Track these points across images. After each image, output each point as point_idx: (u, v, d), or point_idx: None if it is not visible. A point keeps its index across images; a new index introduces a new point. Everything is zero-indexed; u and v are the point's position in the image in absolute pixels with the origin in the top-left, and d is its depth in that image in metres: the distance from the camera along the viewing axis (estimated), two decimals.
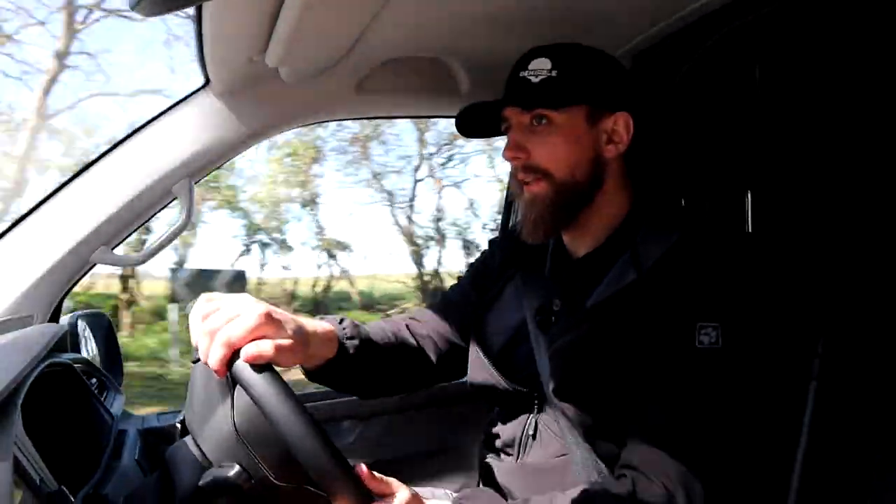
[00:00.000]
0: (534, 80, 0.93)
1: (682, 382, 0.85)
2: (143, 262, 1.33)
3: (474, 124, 1.07)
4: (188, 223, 1.28)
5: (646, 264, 0.92)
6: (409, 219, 10.21)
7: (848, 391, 0.97)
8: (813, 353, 0.97)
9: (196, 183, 1.28)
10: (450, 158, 10.06)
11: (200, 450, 0.86)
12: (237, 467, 0.78)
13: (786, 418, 0.97)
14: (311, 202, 9.91)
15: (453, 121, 1.10)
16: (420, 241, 10.29)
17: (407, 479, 0.82)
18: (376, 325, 1.12)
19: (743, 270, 0.90)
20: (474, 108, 1.05)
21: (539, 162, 0.94)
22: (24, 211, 1.18)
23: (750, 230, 1.26)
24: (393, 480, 0.79)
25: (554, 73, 0.92)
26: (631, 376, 0.88)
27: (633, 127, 0.96)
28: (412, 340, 1.14)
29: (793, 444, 0.96)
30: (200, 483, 0.78)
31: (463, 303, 1.18)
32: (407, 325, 1.15)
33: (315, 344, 0.92)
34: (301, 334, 0.87)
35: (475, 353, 1.09)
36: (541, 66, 0.93)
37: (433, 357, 1.14)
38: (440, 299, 1.23)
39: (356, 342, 1.01)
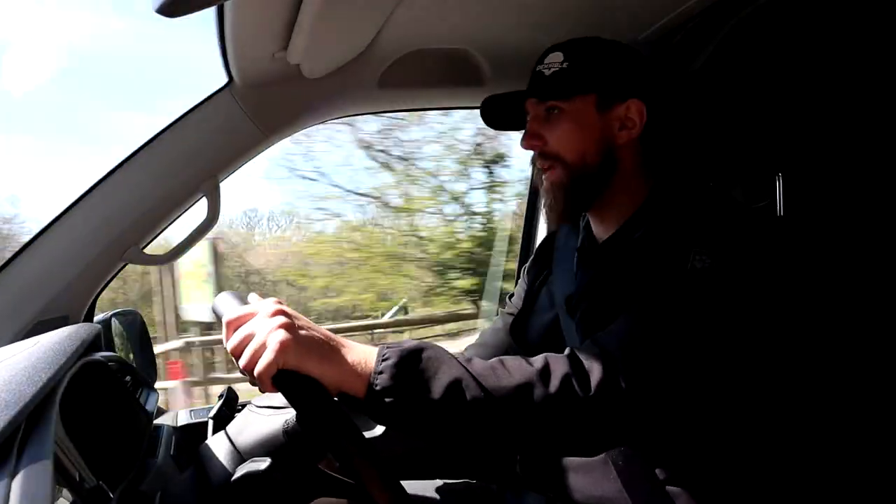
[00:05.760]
0: (546, 73, 0.98)
1: (664, 300, 0.82)
2: (172, 260, 1.35)
3: (501, 117, 1.13)
4: (214, 221, 1.29)
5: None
6: None
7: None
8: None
9: (221, 181, 1.29)
10: None
11: (233, 444, 0.87)
12: (269, 461, 0.78)
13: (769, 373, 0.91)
14: None
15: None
16: None
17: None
18: None
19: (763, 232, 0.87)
20: (496, 100, 1.10)
21: (552, 148, 0.99)
22: (56, 214, 1.21)
23: (781, 213, 1.24)
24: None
25: (565, 66, 0.97)
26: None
27: (646, 113, 0.98)
28: None
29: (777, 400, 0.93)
30: (234, 477, 0.79)
31: (511, 315, 1.24)
32: None
33: None
34: None
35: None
36: (554, 60, 0.98)
37: None
38: (499, 316, 1.27)
39: None
